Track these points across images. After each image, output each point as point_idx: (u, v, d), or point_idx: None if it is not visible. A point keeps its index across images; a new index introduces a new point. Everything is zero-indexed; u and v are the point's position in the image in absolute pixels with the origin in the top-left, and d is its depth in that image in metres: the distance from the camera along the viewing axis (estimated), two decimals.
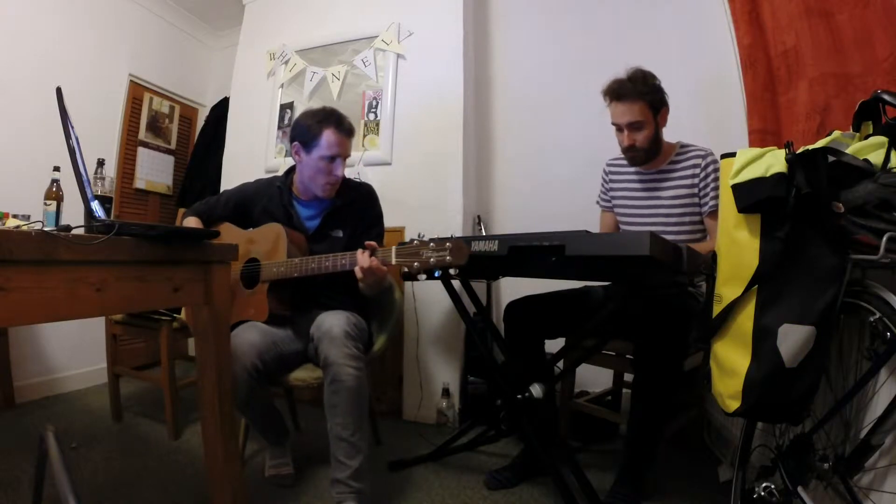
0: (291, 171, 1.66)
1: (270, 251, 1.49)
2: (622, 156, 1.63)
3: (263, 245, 1.52)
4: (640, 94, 1.46)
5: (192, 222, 1.66)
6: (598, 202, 1.79)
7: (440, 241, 1.17)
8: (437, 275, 1.21)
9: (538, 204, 2.45)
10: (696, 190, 1.51)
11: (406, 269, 1.20)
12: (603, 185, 1.76)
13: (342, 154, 1.52)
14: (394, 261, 1.25)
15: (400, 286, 1.84)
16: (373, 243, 1.31)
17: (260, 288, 1.48)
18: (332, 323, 1.34)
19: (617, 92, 1.48)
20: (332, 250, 1.54)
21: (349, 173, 1.70)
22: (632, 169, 1.65)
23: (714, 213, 1.45)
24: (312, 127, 1.49)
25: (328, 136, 1.47)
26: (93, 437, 1.81)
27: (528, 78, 2.53)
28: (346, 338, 1.30)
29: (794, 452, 1.00)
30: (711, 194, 1.47)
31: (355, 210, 1.61)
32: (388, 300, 1.72)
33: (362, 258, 1.29)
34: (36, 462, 0.94)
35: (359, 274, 1.30)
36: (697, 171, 1.49)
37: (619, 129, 1.53)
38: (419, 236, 1.22)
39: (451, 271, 1.16)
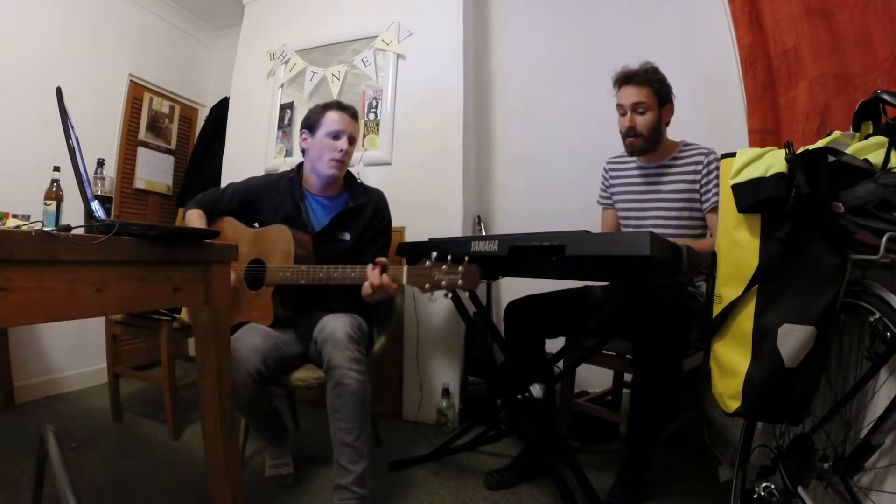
0: (302, 166, 1.67)
1: (277, 253, 1.48)
2: (622, 154, 1.64)
3: (269, 246, 1.50)
4: (648, 80, 1.51)
5: (195, 215, 1.64)
6: (598, 201, 1.79)
7: (453, 264, 1.17)
8: (447, 295, 1.20)
9: (538, 204, 2.45)
10: (697, 186, 1.51)
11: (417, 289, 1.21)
12: (603, 184, 1.76)
13: (346, 130, 1.56)
14: (405, 280, 1.24)
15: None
16: (383, 260, 1.30)
17: (264, 291, 1.47)
18: (336, 326, 1.33)
19: (626, 76, 1.53)
20: (337, 252, 1.54)
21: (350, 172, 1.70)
22: (633, 164, 1.66)
23: (715, 209, 1.45)
24: (316, 113, 1.60)
25: (331, 116, 1.57)
26: (93, 437, 1.81)
27: (529, 78, 2.53)
28: (349, 341, 1.30)
29: (794, 452, 1.00)
30: (713, 191, 1.47)
31: (366, 215, 1.61)
32: (388, 302, 1.71)
33: (373, 274, 1.28)
34: (36, 462, 0.94)
35: (367, 290, 1.30)
36: (700, 167, 1.50)
37: (623, 112, 1.55)
38: (432, 257, 1.20)
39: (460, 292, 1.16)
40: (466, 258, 1.18)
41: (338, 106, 1.59)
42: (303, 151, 1.62)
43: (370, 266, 1.30)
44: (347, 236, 1.59)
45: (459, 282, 1.16)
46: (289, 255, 1.45)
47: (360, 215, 1.61)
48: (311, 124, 1.59)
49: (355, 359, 1.28)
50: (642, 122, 1.51)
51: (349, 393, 1.25)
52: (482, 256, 1.24)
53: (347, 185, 1.67)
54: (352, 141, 1.59)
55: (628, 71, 1.53)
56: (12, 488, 1.39)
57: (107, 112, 2.68)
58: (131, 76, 2.80)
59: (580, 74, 2.37)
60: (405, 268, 1.25)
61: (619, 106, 1.56)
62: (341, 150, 1.55)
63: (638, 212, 1.63)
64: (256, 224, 1.66)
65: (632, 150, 1.58)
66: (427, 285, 1.19)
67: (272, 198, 1.62)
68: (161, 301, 1.01)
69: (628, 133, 1.54)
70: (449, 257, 1.19)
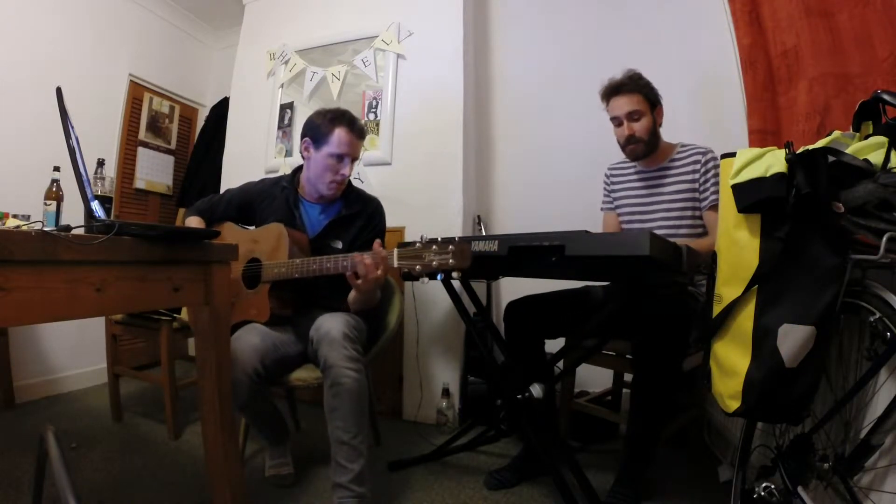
0: (298, 170, 1.66)
1: (272, 251, 1.49)
2: (622, 160, 1.65)
3: (265, 245, 1.51)
4: (637, 87, 1.52)
5: (194, 221, 1.66)
6: (601, 208, 1.80)
7: (443, 244, 1.14)
8: (439, 277, 1.19)
9: (538, 204, 2.45)
10: (696, 185, 1.52)
11: (407, 271, 1.19)
12: (605, 189, 1.78)
13: (351, 154, 1.52)
14: (395, 263, 1.22)
15: (400, 286, 1.84)
16: (378, 242, 1.29)
17: (261, 288, 1.47)
18: (331, 325, 1.33)
19: (615, 87, 1.54)
20: None
21: None
22: (632, 169, 1.67)
23: (713, 207, 1.46)
24: (324, 125, 1.51)
25: (339, 135, 1.49)
26: (93, 437, 1.81)
27: (529, 78, 2.53)
28: (344, 340, 1.30)
29: (794, 452, 1.00)
30: (711, 189, 1.48)
31: (358, 223, 1.60)
32: (384, 301, 1.71)
33: (363, 258, 1.27)
34: (36, 462, 0.94)
35: (359, 287, 1.29)
36: (698, 166, 1.51)
37: (619, 122, 1.56)
38: (421, 239, 1.18)
39: (454, 273, 1.14)
40: (456, 237, 1.15)
41: (348, 124, 1.51)
42: (302, 156, 1.60)
43: (357, 254, 1.29)
44: (340, 244, 1.57)
45: (451, 261, 1.12)
46: (284, 251, 1.45)
47: (353, 224, 1.60)
48: (316, 136, 1.52)
49: (352, 357, 1.28)
50: (640, 127, 1.53)
51: (346, 391, 1.25)
52: (482, 256, 1.24)
53: (343, 192, 1.66)
54: (354, 160, 1.56)
55: (615, 82, 1.55)
56: (12, 488, 1.39)
57: (107, 112, 2.68)
58: (131, 76, 2.80)
59: (580, 74, 2.36)
60: (395, 250, 1.23)
61: (613, 118, 1.57)
62: (343, 175, 1.53)
63: (641, 215, 1.63)
64: (253, 228, 1.66)
65: (634, 156, 1.59)
66: (418, 267, 1.15)
67: (267, 203, 1.62)
68: (161, 301, 1.01)
69: (628, 141, 1.55)
70: (439, 238, 1.16)
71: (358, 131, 1.53)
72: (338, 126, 1.50)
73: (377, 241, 1.31)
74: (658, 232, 1.52)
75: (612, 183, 1.74)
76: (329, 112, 1.54)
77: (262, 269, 1.48)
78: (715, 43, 1.87)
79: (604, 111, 1.61)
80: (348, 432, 1.25)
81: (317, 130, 1.52)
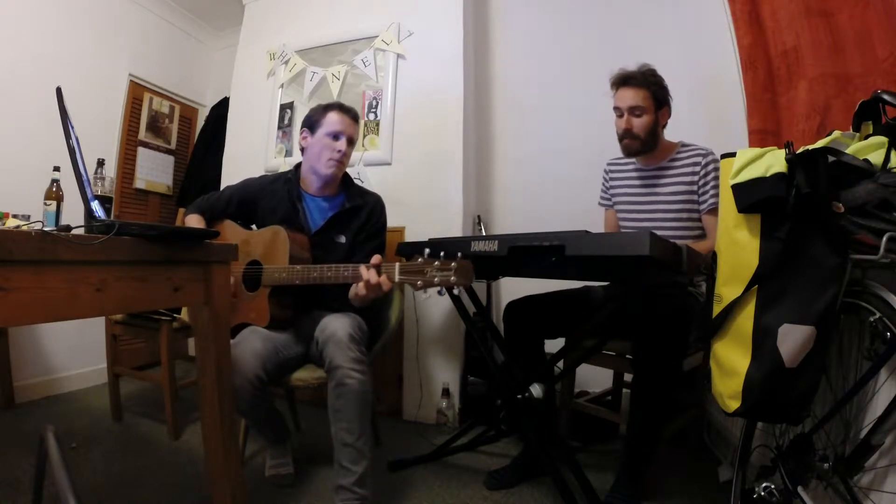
0: (300, 166, 1.67)
1: (272, 254, 1.48)
2: (622, 156, 1.64)
3: (265, 247, 1.51)
4: (646, 83, 1.51)
5: (194, 219, 1.66)
6: (599, 202, 1.79)
7: (446, 260, 1.14)
8: (440, 292, 1.18)
9: (538, 204, 2.45)
10: (695, 187, 1.51)
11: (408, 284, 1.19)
12: (603, 185, 1.77)
13: (346, 132, 1.57)
14: (397, 278, 1.22)
15: (399, 287, 1.84)
16: (379, 258, 1.28)
17: (261, 292, 1.47)
18: (337, 326, 1.33)
19: (624, 78, 1.53)
20: (331, 255, 1.54)
21: (349, 173, 1.71)
22: (631, 166, 1.66)
23: (712, 210, 1.45)
24: (318, 112, 1.61)
25: (332, 116, 1.58)
26: (93, 437, 1.81)
27: (528, 78, 2.53)
28: (350, 341, 1.30)
29: (794, 452, 1.00)
30: (711, 192, 1.47)
31: (360, 217, 1.62)
32: (380, 312, 1.71)
33: (370, 273, 1.25)
34: (36, 462, 0.94)
35: (361, 290, 1.28)
36: (697, 168, 1.50)
37: (620, 114, 1.55)
38: (425, 254, 1.18)
39: (454, 289, 1.13)
40: (459, 254, 1.15)
41: (339, 107, 1.60)
42: (302, 150, 1.63)
43: (363, 266, 1.27)
44: (343, 239, 1.59)
45: (452, 278, 1.12)
46: (284, 255, 1.44)
47: (356, 217, 1.61)
48: (311, 123, 1.60)
49: (357, 359, 1.28)
50: (639, 124, 1.52)
51: (351, 393, 1.25)
52: (482, 256, 1.24)
53: (345, 186, 1.67)
54: (351, 142, 1.59)
55: (626, 73, 1.53)
56: (12, 488, 1.39)
57: (107, 112, 2.68)
58: (131, 76, 2.80)
59: (580, 74, 2.37)
60: (397, 265, 1.23)
61: (616, 108, 1.56)
62: (340, 151, 1.55)
63: (637, 213, 1.63)
64: (254, 226, 1.66)
65: (628, 152, 1.59)
66: (419, 282, 1.15)
67: (269, 199, 1.63)
68: (161, 301, 1.01)
69: (625, 135, 1.55)
70: (442, 253, 1.15)
71: (350, 113, 1.61)
72: (330, 111, 1.59)
73: (377, 256, 1.29)
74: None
75: (611, 178, 1.73)
76: (323, 104, 1.65)
77: (262, 273, 1.47)
78: (715, 43, 1.87)
79: (604, 109, 1.61)
80: (352, 434, 1.26)
81: (311, 119, 1.62)
